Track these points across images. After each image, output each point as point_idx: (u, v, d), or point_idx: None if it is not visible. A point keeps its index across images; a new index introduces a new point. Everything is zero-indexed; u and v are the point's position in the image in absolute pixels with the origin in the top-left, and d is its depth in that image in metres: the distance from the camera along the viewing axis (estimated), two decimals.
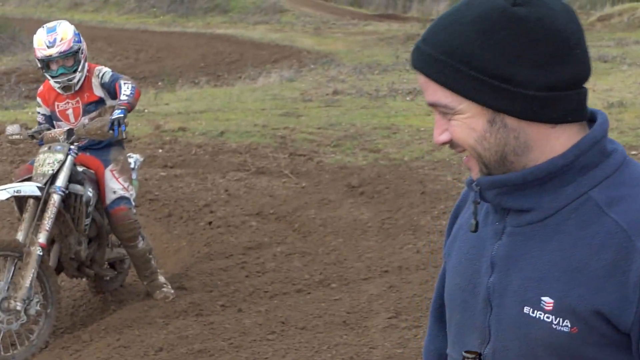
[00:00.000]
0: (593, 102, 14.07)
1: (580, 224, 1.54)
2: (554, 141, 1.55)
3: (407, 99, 14.81)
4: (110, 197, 6.19)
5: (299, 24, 29.58)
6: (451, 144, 1.59)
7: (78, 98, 6.16)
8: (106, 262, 6.45)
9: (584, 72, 1.56)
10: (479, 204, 1.65)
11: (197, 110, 13.25)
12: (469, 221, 1.71)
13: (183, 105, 13.58)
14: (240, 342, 5.75)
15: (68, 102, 6.16)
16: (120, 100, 5.85)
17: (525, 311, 1.59)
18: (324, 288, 6.73)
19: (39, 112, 6.38)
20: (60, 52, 5.98)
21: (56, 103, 6.21)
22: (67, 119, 6.22)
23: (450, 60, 1.51)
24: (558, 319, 1.55)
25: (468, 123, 1.54)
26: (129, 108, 5.83)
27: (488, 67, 1.49)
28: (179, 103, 13.83)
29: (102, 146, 6.24)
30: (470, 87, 1.51)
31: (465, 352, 1.69)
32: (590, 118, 1.64)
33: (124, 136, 6.00)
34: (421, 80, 1.58)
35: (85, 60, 6.14)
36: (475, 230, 1.68)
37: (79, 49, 6.08)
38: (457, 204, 1.86)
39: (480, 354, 1.68)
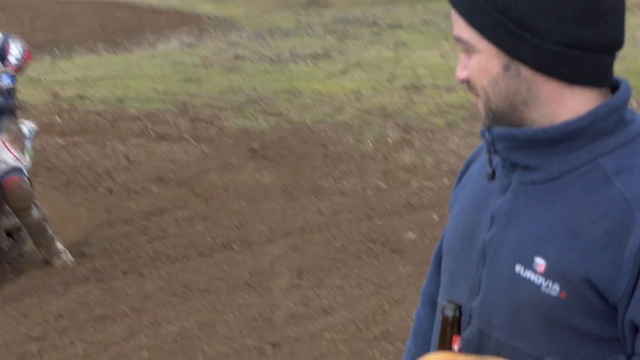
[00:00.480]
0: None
1: (585, 190, 1.54)
2: (568, 101, 1.55)
3: (309, 63, 14.79)
4: (1, 168, 6.03)
5: None
6: (469, 84, 1.59)
7: None
8: (3, 232, 6.33)
9: (611, 40, 1.53)
10: (492, 153, 1.65)
11: (95, 77, 13.04)
12: (479, 172, 1.75)
13: (81, 73, 13.33)
14: (142, 306, 5.73)
15: None
16: (9, 63, 5.70)
17: (516, 270, 1.60)
18: (226, 251, 6.74)
19: None
20: None
21: None
22: None
23: None
24: (548, 281, 1.55)
25: (484, 64, 1.55)
26: (18, 72, 5.67)
27: (512, 11, 1.48)
28: (76, 71, 13.57)
29: None
30: (491, 27, 1.51)
31: (448, 300, 1.68)
32: (613, 86, 1.62)
33: (17, 104, 5.87)
34: (453, 13, 1.57)
35: None
36: (492, 178, 1.68)
37: None
38: (471, 156, 1.88)
39: (460, 307, 1.67)
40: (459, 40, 1.57)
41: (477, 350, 1.69)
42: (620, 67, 13.71)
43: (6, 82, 5.55)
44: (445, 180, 8.36)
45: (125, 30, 20.23)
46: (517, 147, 1.59)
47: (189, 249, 6.76)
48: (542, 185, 1.59)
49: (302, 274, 6.24)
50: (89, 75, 13.14)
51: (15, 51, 5.69)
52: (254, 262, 6.47)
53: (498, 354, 1.64)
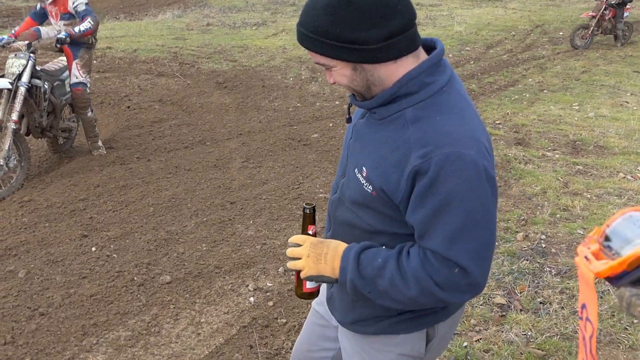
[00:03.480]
0: None
1: (394, 129, 1.51)
2: (395, 73, 1.49)
3: (254, 28, 14.40)
4: (72, 80, 5.87)
5: None
6: (337, 84, 1.56)
7: (57, 8, 5.69)
8: (60, 130, 6.08)
9: (409, 19, 1.46)
10: (351, 106, 1.71)
11: (118, 35, 12.43)
12: (356, 115, 1.74)
13: (109, 33, 12.70)
14: (149, 179, 5.57)
15: (53, 7, 5.72)
16: (73, 29, 5.48)
17: (355, 171, 1.61)
18: (202, 145, 6.57)
19: (36, 6, 5.88)
20: None
21: (47, 7, 5.76)
22: (52, 16, 5.82)
23: (316, 36, 1.45)
24: (366, 183, 1.56)
25: (341, 72, 1.51)
26: (73, 37, 5.45)
27: (339, 36, 1.43)
28: (106, 31, 12.87)
29: (76, 45, 5.79)
30: (333, 51, 1.46)
31: (306, 203, 1.74)
32: (433, 46, 1.60)
33: (93, 42, 5.83)
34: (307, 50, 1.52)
35: None
36: (348, 122, 1.76)
37: None
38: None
39: (314, 206, 1.73)
40: (319, 64, 1.53)
41: (337, 207, 1.75)
42: (442, 33, 13.69)
43: (64, 35, 5.38)
44: (337, 102, 8.27)
45: (137, 5, 19.40)
46: (366, 109, 1.61)
47: (178, 144, 6.56)
48: (377, 122, 1.58)
49: (249, 159, 6.14)
50: (114, 34, 12.52)
51: (82, 27, 5.47)
52: (219, 152, 6.32)
53: (346, 215, 1.70)
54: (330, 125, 7.23)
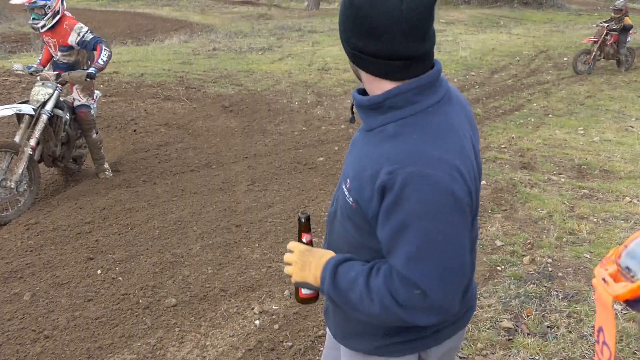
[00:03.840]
0: None
1: (376, 142, 1.51)
2: (382, 85, 1.51)
3: (260, 53, 14.53)
4: (75, 103, 5.97)
5: (190, 6, 28.50)
6: None
7: (55, 39, 5.75)
8: (71, 159, 6.14)
9: (390, 52, 1.45)
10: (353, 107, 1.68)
11: (125, 60, 12.56)
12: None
13: (116, 57, 12.82)
14: (155, 202, 5.58)
15: (50, 38, 5.79)
16: (97, 62, 5.54)
17: (342, 182, 1.63)
18: (208, 168, 6.60)
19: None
20: (29, 3, 5.54)
21: (44, 36, 5.83)
22: (49, 45, 5.88)
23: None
24: (348, 194, 1.56)
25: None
26: (100, 70, 5.53)
27: (340, 31, 1.54)
28: (113, 56, 13.02)
29: (72, 69, 5.85)
30: (349, 55, 1.55)
31: (301, 212, 1.87)
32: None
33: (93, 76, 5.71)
34: None
35: (53, 14, 5.64)
36: (352, 122, 1.79)
37: (44, 5, 5.59)
38: None
39: (309, 216, 1.77)
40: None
41: (332, 220, 1.76)
42: (447, 58, 13.79)
43: (93, 71, 5.45)
44: (343, 126, 8.31)
45: (144, 31, 19.63)
46: (361, 110, 1.59)
47: (184, 167, 6.59)
48: (366, 133, 1.58)
49: (255, 182, 6.16)
50: (121, 59, 12.64)
51: (104, 56, 5.53)
52: (224, 175, 6.35)
53: (337, 227, 1.71)
54: (336, 148, 7.25)
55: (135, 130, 7.88)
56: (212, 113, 8.79)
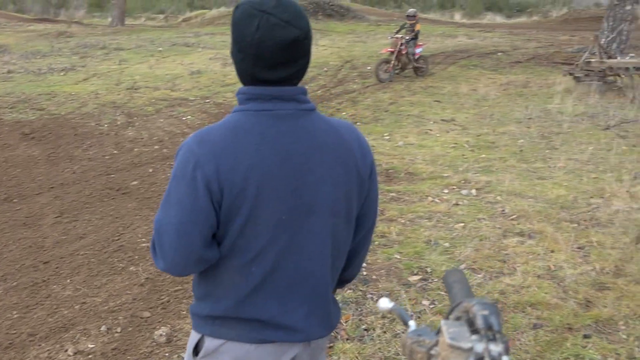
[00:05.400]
0: (181, 71, 14.14)
1: None
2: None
3: (62, 74, 13.75)
4: None
5: None
6: None
7: None
8: None
9: (242, 67, 1.63)
10: None
11: None
12: None
13: None
14: None
15: None
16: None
17: None
18: (8, 203, 6.10)
19: None
20: None
21: None
22: None
23: None
24: None
25: None
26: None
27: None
28: None
29: None
30: None
31: None
32: None
33: None
34: None
35: None
36: None
37: None
38: None
39: None
40: None
41: None
42: None
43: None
44: (156, 147, 8.12)
45: None
46: None
47: None
48: None
49: (63, 214, 5.80)
50: None
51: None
52: (28, 209, 5.90)
53: None
54: (150, 170, 7.06)
55: None
56: (11, 142, 8.15)
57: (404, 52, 13.46)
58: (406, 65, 13.82)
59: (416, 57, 13.79)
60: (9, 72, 13.78)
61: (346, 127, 1.75)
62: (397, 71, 13.78)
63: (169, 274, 1.66)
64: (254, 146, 1.56)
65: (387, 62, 13.49)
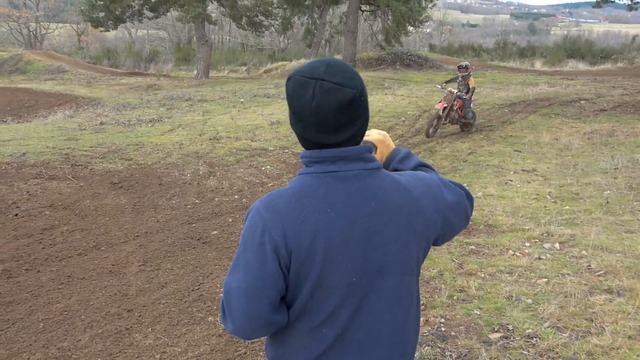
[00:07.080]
0: (261, 122, 14.51)
1: None
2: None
3: (149, 125, 14.37)
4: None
5: (75, 79, 27.85)
6: None
7: None
8: None
9: (304, 136, 1.66)
10: None
11: (4, 139, 12.02)
12: None
13: None
14: (39, 292, 5.29)
15: None
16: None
17: None
18: (96, 251, 6.36)
19: None
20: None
21: None
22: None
23: None
24: None
25: None
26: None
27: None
28: None
29: None
30: None
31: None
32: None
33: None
34: None
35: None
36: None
37: None
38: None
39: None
40: None
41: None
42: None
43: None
44: (236, 196, 8.31)
45: (26, 107, 18.98)
46: None
47: (70, 251, 6.32)
48: None
49: (147, 262, 5.99)
50: (1, 138, 12.10)
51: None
52: (114, 257, 6.14)
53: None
54: (230, 220, 7.22)
55: (17, 215, 7.50)
56: (101, 191, 8.55)
57: (455, 107, 12.79)
58: (455, 120, 13.08)
59: (468, 112, 13.12)
60: (101, 123, 14.55)
61: (414, 180, 1.74)
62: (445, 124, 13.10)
63: (238, 337, 1.66)
64: (320, 209, 1.58)
65: (439, 118, 12.76)
